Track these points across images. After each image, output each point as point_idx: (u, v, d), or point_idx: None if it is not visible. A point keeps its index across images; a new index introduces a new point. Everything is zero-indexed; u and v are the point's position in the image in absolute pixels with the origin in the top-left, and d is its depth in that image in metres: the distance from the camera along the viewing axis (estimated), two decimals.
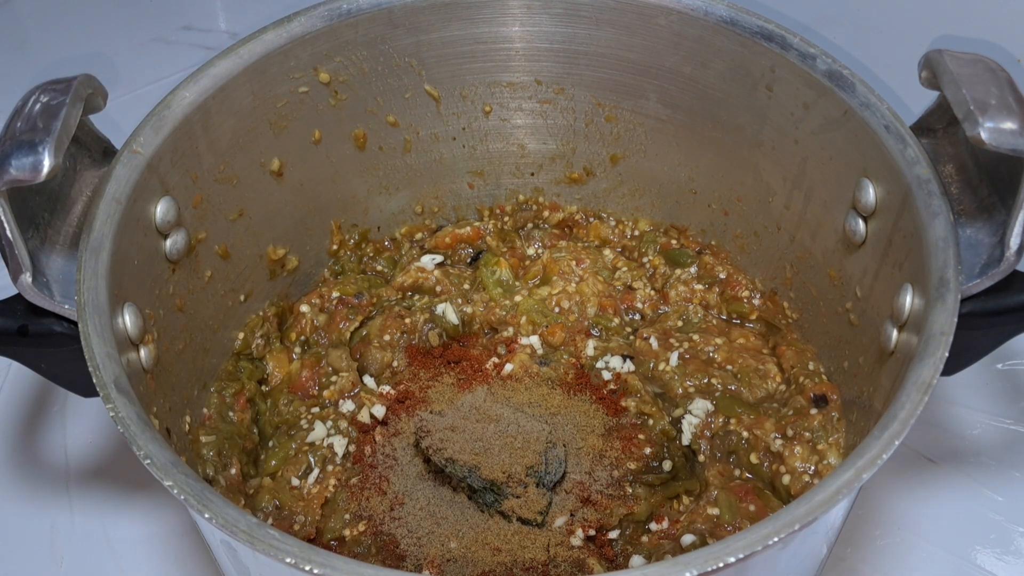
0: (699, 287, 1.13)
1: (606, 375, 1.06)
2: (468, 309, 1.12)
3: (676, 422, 1.02)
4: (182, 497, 0.70)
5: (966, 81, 0.79)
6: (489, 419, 0.97)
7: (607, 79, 1.11)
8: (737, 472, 0.98)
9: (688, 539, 0.92)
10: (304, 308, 1.12)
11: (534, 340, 1.09)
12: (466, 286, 1.14)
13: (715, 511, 0.94)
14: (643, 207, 1.20)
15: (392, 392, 1.05)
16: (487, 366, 1.06)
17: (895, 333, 0.87)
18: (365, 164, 1.15)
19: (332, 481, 0.98)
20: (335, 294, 1.13)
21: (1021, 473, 1.12)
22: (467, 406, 0.99)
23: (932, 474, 1.12)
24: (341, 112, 1.09)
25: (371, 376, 1.07)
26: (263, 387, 1.07)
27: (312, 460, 0.99)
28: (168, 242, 0.95)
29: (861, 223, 0.95)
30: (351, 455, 1.00)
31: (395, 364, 1.08)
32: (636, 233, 1.21)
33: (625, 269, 1.15)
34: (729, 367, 1.05)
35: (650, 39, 1.05)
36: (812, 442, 0.95)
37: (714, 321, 1.10)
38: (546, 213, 1.23)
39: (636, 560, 0.93)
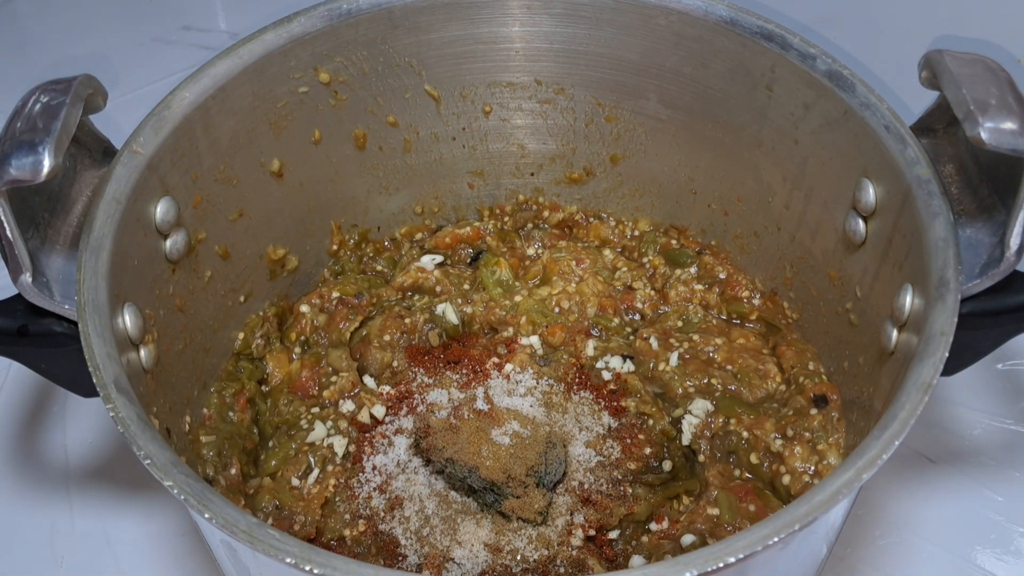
0: (699, 287, 1.13)
1: (606, 375, 1.06)
2: (468, 309, 1.12)
3: (676, 422, 1.02)
4: (182, 497, 0.70)
5: (966, 81, 0.79)
6: (489, 419, 0.97)
7: (607, 79, 1.11)
8: (737, 472, 0.98)
9: (688, 539, 0.92)
10: (304, 308, 1.12)
11: (534, 340, 1.09)
12: (466, 286, 1.14)
13: (715, 511, 0.94)
14: (643, 207, 1.20)
15: (392, 392, 1.05)
16: (487, 366, 1.06)
17: (895, 333, 0.87)
18: (365, 164, 1.15)
19: (332, 481, 0.98)
20: (335, 294, 1.13)
21: (1021, 473, 1.12)
22: (467, 406, 0.99)
23: (932, 474, 1.12)
24: (341, 112, 1.09)
25: (371, 376, 1.07)
26: (263, 387, 1.07)
27: (312, 460, 0.99)
28: (168, 242, 0.95)
29: (861, 223, 0.95)
30: (351, 455, 1.00)
31: (395, 364, 1.08)
32: (636, 233, 1.21)
33: (625, 269, 1.15)
34: (729, 367, 1.05)
35: (650, 39, 1.05)
36: (812, 442, 0.95)
37: (714, 321, 1.10)
38: (546, 213, 1.23)
39: (636, 560, 0.93)
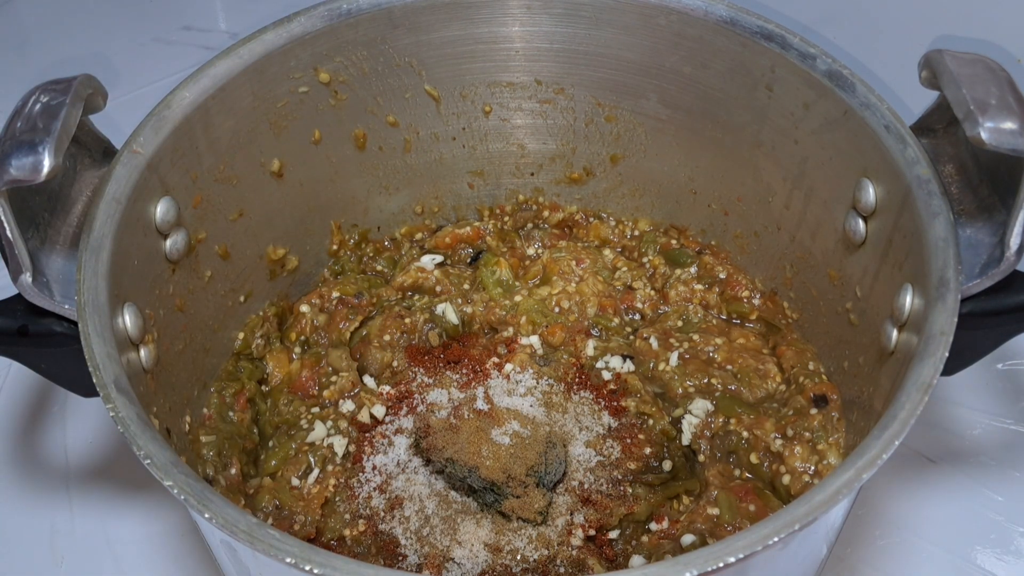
0: (699, 287, 1.13)
1: (606, 375, 1.06)
2: (468, 309, 1.12)
3: (676, 422, 1.02)
4: (182, 497, 0.70)
5: (966, 81, 0.79)
6: (489, 419, 0.97)
7: (607, 79, 1.11)
8: (737, 472, 0.98)
9: (688, 539, 0.92)
10: (304, 308, 1.12)
11: (534, 340, 1.09)
12: (466, 286, 1.14)
13: (715, 511, 0.94)
14: (643, 207, 1.20)
15: (392, 392, 1.05)
16: (487, 366, 1.06)
17: (895, 333, 0.87)
18: (365, 164, 1.15)
19: (332, 481, 0.98)
20: (335, 294, 1.13)
21: (1021, 473, 1.12)
22: (467, 406, 0.99)
23: (932, 474, 1.12)
24: (341, 112, 1.09)
25: (371, 376, 1.07)
26: (263, 387, 1.07)
27: (312, 460, 0.99)
28: (168, 242, 0.95)
29: (861, 223, 0.95)
30: (351, 455, 1.00)
31: (395, 364, 1.08)
32: (636, 233, 1.21)
33: (625, 269, 1.15)
34: (729, 367, 1.05)
35: (650, 39, 1.05)
36: (812, 442, 0.95)
37: (714, 321, 1.10)
38: (546, 213, 1.23)
39: (636, 560, 0.93)
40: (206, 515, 0.69)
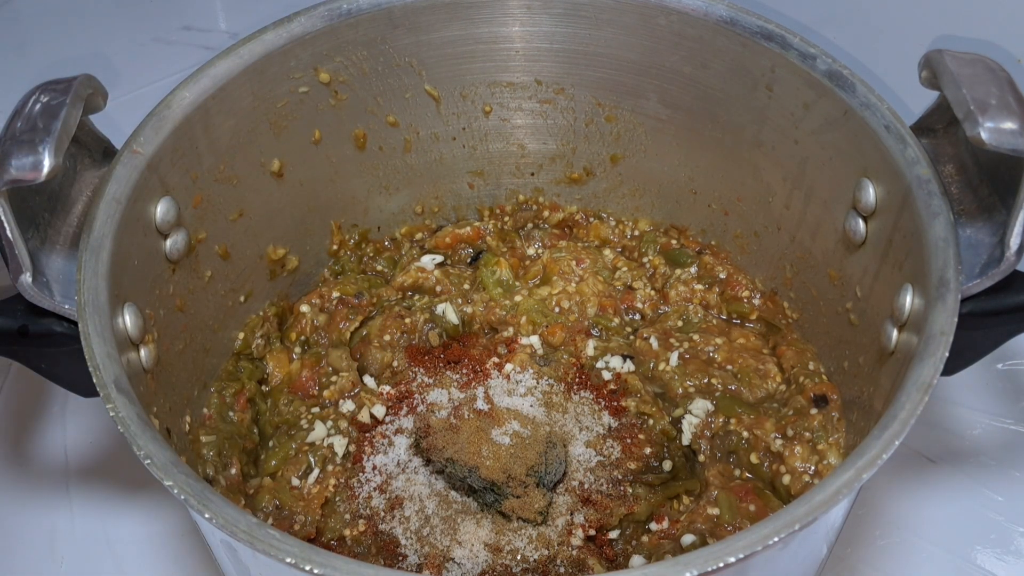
0: (699, 287, 1.13)
1: (606, 375, 1.06)
2: (468, 309, 1.12)
3: (676, 422, 1.02)
4: (182, 497, 0.70)
5: (966, 81, 0.79)
6: (489, 419, 0.97)
7: (607, 79, 1.11)
8: (737, 472, 0.98)
9: (688, 539, 0.92)
10: (304, 308, 1.12)
11: (534, 340, 1.09)
12: (466, 286, 1.14)
13: (715, 511, 0.94)
14: (643, 207, 1.20)
15: (392, 392, 1.05)
16: (487, 366, 1.06)
17: (895, 333, 0.87)
18: (365, 164, 1.15)
19: (332, 481, 0.98)
20: (335, 294, 1.13)
21: (1021, 473, 1.12)
22: (467, 406, 0.99)
23: (932, 474, 1.12)
24: (341, 112, 1.09)
25: (371, 376, 1.07)
26: (263, 387, 1.07)
27: (312, 460, 0.99)
28: (168, 242, 0.95)
29: (861, 223, 0.95)
30: (351, 455, 1.00)
31: (395, 364, 1.08)
32: (636, 233, 1.21)
33: (625, 269, 1.15)
34: (729, 367, 1.05)
35: (650, 39, 1.05)
36: (812, 442, 0.95)
37: (714, 321, 1.10)
38: (546, 213, 1.23)
39: (636, 560, 0.93)
40: (206, 515, 0.69)
